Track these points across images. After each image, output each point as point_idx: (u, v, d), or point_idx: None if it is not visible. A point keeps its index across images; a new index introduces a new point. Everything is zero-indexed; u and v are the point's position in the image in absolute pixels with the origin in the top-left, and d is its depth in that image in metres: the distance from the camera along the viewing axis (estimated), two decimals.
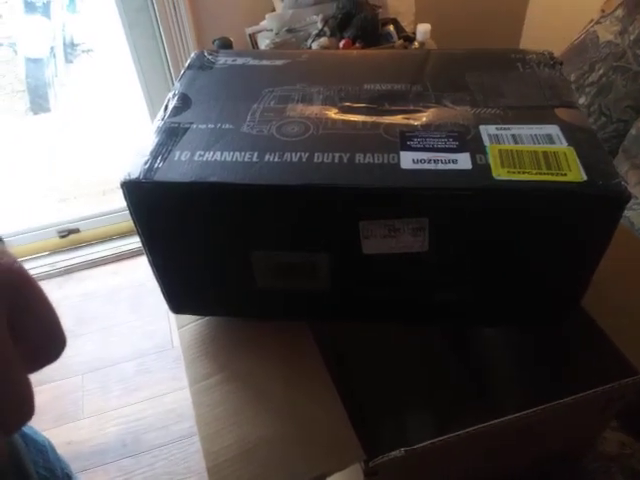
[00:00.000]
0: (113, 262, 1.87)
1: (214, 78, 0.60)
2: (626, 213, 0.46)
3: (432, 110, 0.53)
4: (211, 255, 0.53)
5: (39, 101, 2.77)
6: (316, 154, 0.48)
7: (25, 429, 0.62)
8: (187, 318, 0.63)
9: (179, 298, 0.60)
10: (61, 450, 0.65)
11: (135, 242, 1.87)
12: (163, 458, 1.34)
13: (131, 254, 1.88)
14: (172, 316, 0.64)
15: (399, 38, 1.36)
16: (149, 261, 0.54)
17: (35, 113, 2.76)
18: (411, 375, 0.77)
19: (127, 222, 1.85)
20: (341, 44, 1.31)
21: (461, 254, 0.50)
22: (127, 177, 0.47)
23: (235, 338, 0.60)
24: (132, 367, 1.55)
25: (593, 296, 0.54)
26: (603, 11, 1.12)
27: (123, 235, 1.93)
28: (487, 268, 0.51)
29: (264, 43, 1.35)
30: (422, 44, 1.23)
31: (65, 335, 0.35)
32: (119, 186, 0.47)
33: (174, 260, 0.54)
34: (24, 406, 0.32)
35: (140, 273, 1.80)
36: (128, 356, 1.57)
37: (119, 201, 1.86)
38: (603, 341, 0.58)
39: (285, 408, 0.53)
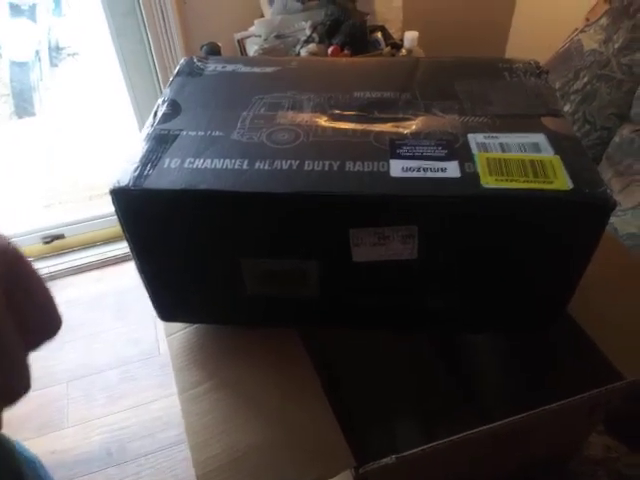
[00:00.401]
0: (98, 268, 1.85)
1: (204, 85, 0.60)
2: (610, 220, 0.47)
3: (421, 118, 0.54)
4: (200, 262, 0.53)
5: (24, 105, 2.74)
6: (306, 162, 0.48)
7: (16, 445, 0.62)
8: (176, 326, 0.62)
9: (168, 306, 0.59)
10: (45, 459, 0.64)
11: (120, 248, 1.85)
12: (149, 467, 1.32)
13: (116, 260, 1.86)
14: (159, 323, 0.63)
15: (387, 45, 1.37)
16: (137, 268, 0.54)
17: (20, 117, 2.73)
18: (399, 381, 0.78)
19: (112, 228, 1.83)
20: (329, 50, 1.31)
21: (450, 261, 0.50)
22: (116, 184, 0.46)
23: (224, 346, 0.60)
24: (117, 375, 1.53)
25: (579, 302, 0.55)
26: (587, 20, 1.14)
27: (108, 241, 1.91)
28: (475, 275, 0.52)
29: (253, 49, 1.35)
30: (409, 51, 1.24)
31: (60, 314, 0.36)
32: (108, 192, 0.47)
33: (163, 267, 0.54)
34: (22, 376, 0.32)
35: (125, 280, 1.78)
36: (113, 363, 1.55)
37: (105, 207, 1.85)
38: (589, 347, 0.58)
39: (274, 415, 0.53)
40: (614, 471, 0.79)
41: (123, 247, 1.85)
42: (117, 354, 1.58)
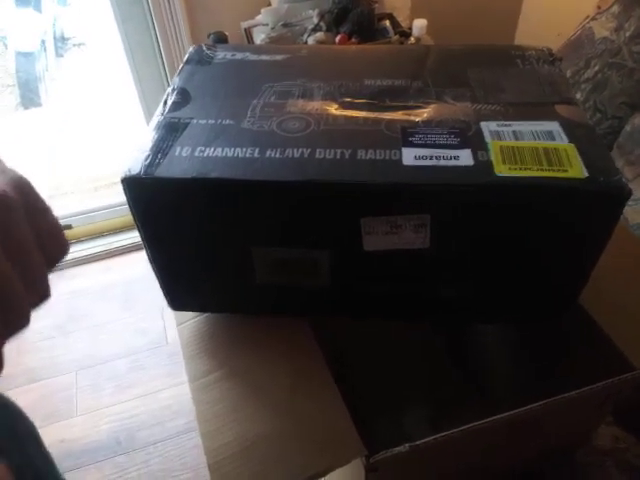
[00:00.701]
0: (105, 259, 1.86)
1: (213, 73, 0.59)
2: None
3: (433, 106, 0.53)
4: (211, 251, 0.53)
5: (30, 95, 2.74)
6: (318, 150, 0.47)
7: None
8: (186, 315, 0.62)
9: (178, 295, 0.59)
10: (54, 448, 0.64)
11: (127, 238, 1.86)
12: (158, 455, 1.33)
13: (123, 250, 1.86)
14: (167, 313, 0.64)
15: (395, 33, 1.36)
16: (148, 257, 0.54)
17: (26, 108, 2.73)
18: (410, 371, 0.77)
19: (120, 218, 1.84)
20: (337, 39, 1.31)
21: (462, 250, 0.50)
22: (127, 173, 0.46)
23: (234, 335, 0.60)
24: (125, 364, 1.54)
25: (590, 292, 0.54)
26: (599, 7, 1.12)
27: (115, 231, 1.91)
28: (488, 264, 0.51)
29: (260, 37, 1.35)
30: (418, 39, 1.23)
31: (67, 240, 0.36)
32: (114, 183, 0.47)
33: (174, 256, 0.54)
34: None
35: (133, 270, 1.79)
36: (121, 353, 1.56)
37: (112, 197, 1.85)
38: (600, 337, 0.58)
39: (284, 405, 0.53)
40: (623, 461, 0.79)
41: (130, 237, 1.85)
42: (125, 344, 1.59)
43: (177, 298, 0.60)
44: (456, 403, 0.74)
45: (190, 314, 0.62)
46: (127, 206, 0.49)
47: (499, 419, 0.47)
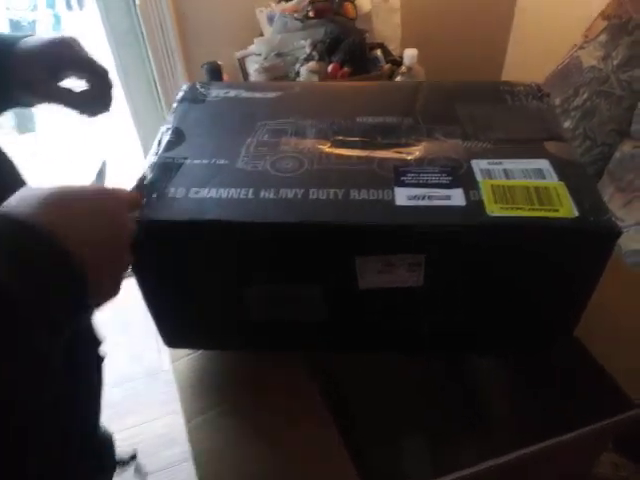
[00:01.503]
0: None
1: (207, 111, 0.60)
2: None
3: (424, 143, 0.54)
4: (205, 290, 0.53)
5: (24, 121, 2.75)
6: (311, 190, 0.48)
7: None
8: (181, 351, 0.62)
9: (173, 332, 0.59)
10: None
11: None
12: None
13: None
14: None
15: (386, 62, 1.37)
16: (143, 296, 0.54)
17: (21, 133, 2.74)
18: (407, 402, 0.77)
19: None
20: (329, 68, 1.32)
21: (455, 287, 0.50)
22: None
23: (229, 371, 0.60)
24: (120, 392, 1.52)
25: (586, 325, 0.54)
26: (586, 37, 1.15)
27: None
28: (481, 301, 0.52)
29: (253, 67, 1.36)
30: (409, 68, 1.25)
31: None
32: None
33: (167, 296, 0.54)
34: None
35: (127, 294, 1.77)
36: (116, 381, 1.55)
37: None
38: (597, 370, 0.58)
39: (281, 443, 0.53)
40: None
41: None
42: (120, 370, 1.57)
43: (171, 336, 0.60)
44: (454, 433, 0.74)
45: (184, 351, 0.62)
46: None
47: (499, 464, 0.47)
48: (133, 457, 0.89)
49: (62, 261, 0.33)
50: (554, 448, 0.51)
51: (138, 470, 0.96)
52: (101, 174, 0.47)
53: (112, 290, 0.39)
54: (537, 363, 0.63)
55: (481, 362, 0.78)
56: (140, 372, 1.56)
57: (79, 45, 0.52)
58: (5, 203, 0.34)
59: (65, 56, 0.50)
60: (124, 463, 0.69)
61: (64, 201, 0.35)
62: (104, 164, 0.47)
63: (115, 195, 0.40)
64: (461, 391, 0.79)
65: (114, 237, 0.38)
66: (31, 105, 0.53)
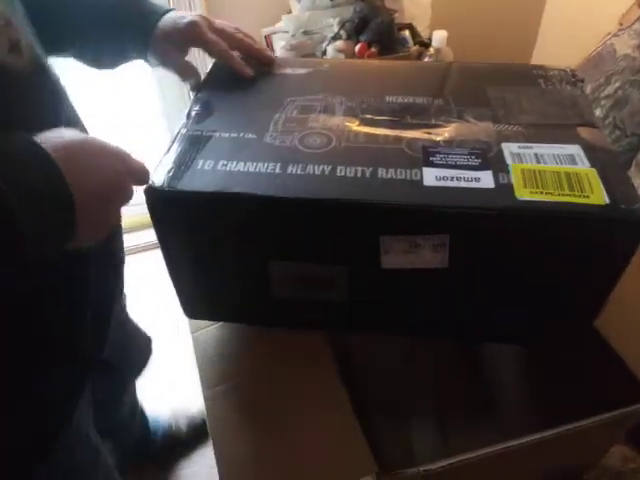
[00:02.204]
0: None
1: (236, 86, 0.60)
2: None
3: (454, 125, 0.53)
4: (230, 263, 0.53)
5: None
6: (339, 167, 0.48)
7: None
8: (200, 323, 0.63)
9: (194, 303, 0.60)
10: None
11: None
12: None
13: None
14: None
15: (414, 43, 1.36)
16: (167, 266, 0.55)
17: None
18: (419, 383, 0.78)
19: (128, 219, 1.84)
20: (357, 48, 1.31)
21: (480, 271, 0.50)
22: (151, 184, 0.47)
23: (249, 345, 0.60)
24: None
25: (605, 315, 0.54)
26: (621, 24, 1.12)
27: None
28: (505, 285, 0.51)
29: (280, 44, 1.35)
30: (438, 50, 1.23)
31: None
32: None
33: (191, 267, 0.54)
34: None
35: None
36: None
37: None
38: (613, 360, 0.58)
39: (298, 419, 0.53)
40: None
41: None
42: None
43: (192, 306, 0.60)
44: (466, 416, 0.74)
45: (204, 322, 0.63)
46: (132, 207, 0.49)
47: (513, 446, 0.47)
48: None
49: (58, 191, 0.38)
50: (566, 435, 0.51)
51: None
52: None
53: (95, 235, 0.44)
54: (553, 352, 0.63)
55: (495, 349, 0.78)
56: None
57: (208, 25, 0.61)
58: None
59: (193, 36, 0.60)
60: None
61: (83, 149, 0.42)
62: None
63: (127, 164, 0.45)
64: (475, 375, 0.80)
65: (109, 196, 0.43)
66: (152, 66, 0.65)
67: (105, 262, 0.59)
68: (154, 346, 1.27)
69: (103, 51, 0.64)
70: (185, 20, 0.60)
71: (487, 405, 0.76)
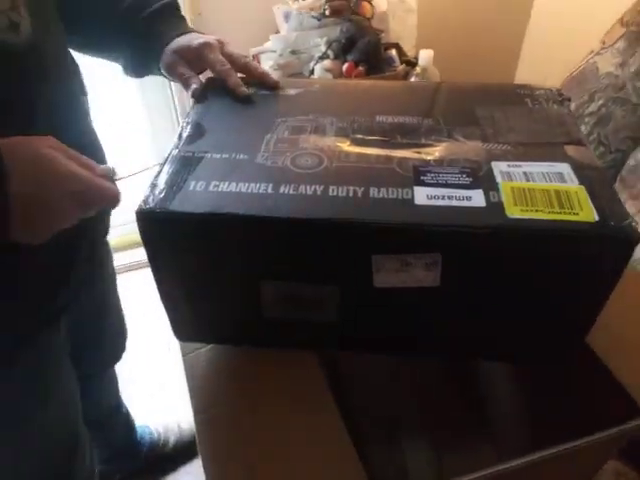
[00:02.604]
0: None
1: (227, 106, 0.60)
2: None
3: (444, 144, 0.54)
4: (221, 284, 0.53)
5: None
6: (331, 187, 0.48)
7: None
8: (192, 345, 0.62)
9: (185, 325, 0.59)
10: None
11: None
12: None
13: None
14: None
15: (401, 63, 1.37)
16: (157, 287, 0.54)
17: None
18: (411, 404, 0.77)
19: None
20: (344, 67, 1.32)
21: (471, 289, 0.50)
22: (142, 206, 0.47)
23: (240, 366, 0.60)
24: None
25: (595, 330, 0.54)
26: (604, 43, 1.14)
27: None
28: (497, 304, 0.51)
29: (268, 64, 1.36)
30: (424, 70, 1.25)
31: None
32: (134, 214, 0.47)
33: (183, 287, 0.54)
34: None
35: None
36: None
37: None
38: (604, 375, 0.58)
39: (291, 441, 0.53)
40: None
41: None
42: None
43: (183, 328, 0.60)
44: (459, 436, 0.74)
45: (195, 345, 0.62)
46: (122, 227, 0.49)
47: (509, 467, 0.47)
48: None
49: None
50: (560, 455, 0.51)
51: None
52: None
53: (35, 240, 0.46)
54: (545, 368, 0.63)
55: (488, 365, 0.78)
56: None
57: (219, 48, 0.65)
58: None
59: (202, 54, 0.64)
60: None
61: (43, 164, 0.44)
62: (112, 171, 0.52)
63: (90, 188, 0.47)
64: (467, 394, 0.79)
65: (54, 213, 0.45)
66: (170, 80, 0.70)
67: None
68: (146, 359, 1.28)
69: (123, 56, 0.70)
70: (200, 40, 0.64)
71: (480, 423, 0.76)
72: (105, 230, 0.77)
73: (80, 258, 0.66)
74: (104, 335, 0.93)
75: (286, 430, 0.54)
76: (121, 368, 1.25)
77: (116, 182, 0.51)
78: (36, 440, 0.72)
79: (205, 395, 0.58)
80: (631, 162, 1.07)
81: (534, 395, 0.72)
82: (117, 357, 1.02)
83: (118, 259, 1.83)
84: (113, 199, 0.49)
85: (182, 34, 0.66)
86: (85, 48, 0.71)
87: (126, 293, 1.72)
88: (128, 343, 1.03)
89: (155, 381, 1.47)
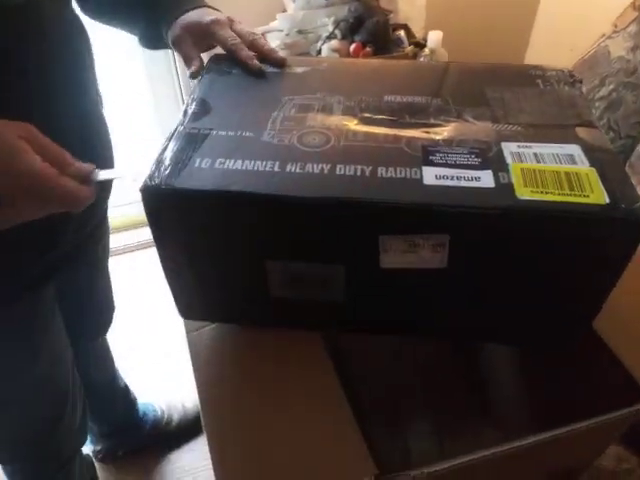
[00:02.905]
0: None
1: (233, 83, 0.59)
2: None
3: (453, 125, 0.53)
4: (226, 262, 0.53)
5: None
6: (338, 166, 0.47)
7: None
8: (196, 323, 0.62)
9: (190, 303, 0.59)
10: None
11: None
12: None
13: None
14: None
15: (409, 44, 1.36)
16: (162, 265, 0.54)
17: None
18: (414, 384, 0.77)
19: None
20: (351, 48, 1.31)
21: (480, 271, 0.50)
22: (147, 182, 0.46)
23: (245, 346, 0.60)
24: None
25: (603, 315, 0.54)
26: (615, 26, 1.12)
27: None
28: (505, 285, 0.51)
29: (274, 43, 1.35)
30: (433, 51, 1.23)
31: None
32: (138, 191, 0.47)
33: (187, 266, 0.54)
34: None
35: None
36: None
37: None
38: (611, 360, 0.58)
39: (296, 420, 0.53)
40: None
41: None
42: None
43: (187, 307, 0.60)
44: (462, 418, 0.74)
45: (200, 323, 0.62)
46: (125, 206, 0.49)
47: (511, 448, 0.47)
48: None
49: None
50: (561, 437, 0.51)
51: None
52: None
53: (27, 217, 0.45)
54: (550, 352, 0.63)
55: (492, 348, 0.78)
56: None
57: (229, 24, 0.65)
58: None
59: (212, 31, 0.63)
60: None
61: (4, 155, 0.41)
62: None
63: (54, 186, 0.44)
64: (471, 376, 0.79)
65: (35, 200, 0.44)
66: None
67: None
68: (151, 339, 1.29)
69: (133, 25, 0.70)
70: (211, 17, 0.64)
71: (482, 404, 0.76)
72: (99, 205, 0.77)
73: (68, 229, 0.67)
74: (91, 306, 0.95)
75: (289, 410, 0.54)
76: (124, 348, 1.26)
77: (94, 183, 0.47)
78: (23, 394, 0.76)
79: (209, 373, 0.58)
80: None
81: (537, 378, 0.73)
82: (104, 330, 1.04)
83: (123, 239, 1.84)
84: (73, 202, 0.45)
85: (194, 8, 0.65)
86: (100, 16, 0.71)
87: (132, 272, 1.74)
88: (130, 323, 1.04)
89: (161, 361, 1.48)
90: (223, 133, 0.51)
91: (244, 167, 0.47)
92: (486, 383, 0.79)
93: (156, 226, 0.50)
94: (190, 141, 0.50)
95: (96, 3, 0.70)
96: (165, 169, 0.47)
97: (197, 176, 0.47)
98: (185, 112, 0.54)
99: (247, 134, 0.51)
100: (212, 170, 0.47)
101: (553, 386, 0.68)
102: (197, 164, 0.48)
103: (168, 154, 0.49)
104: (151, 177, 0.46)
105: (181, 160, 0.48)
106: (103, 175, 0.48)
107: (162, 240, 0.51)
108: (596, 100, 1.11)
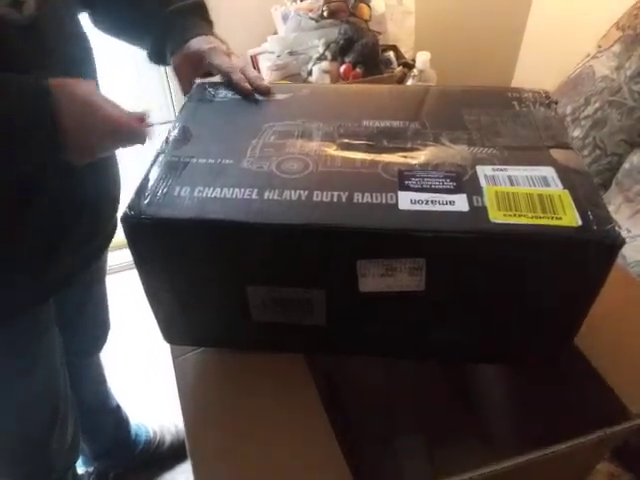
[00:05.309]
0: None
1: (215, 111, 0.61)
2: None
3: (430, 149, 0.54)
4: (207, 288, 0.53)
5: None
6: (315, 192, 0.48)
7: None
8: (182, 348, 0.63)
9: (173, 328, 0.60)
10: None
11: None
12: None
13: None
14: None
15: (399, 64, 1.37)
16: (145, 292, 0.55)
17: None
18: (403, 402, 0.77)
19: None
20: (342, 69, 1.32)
21: (456, 293, 0.50)
22: (127, 212, 0.47)
23: (230, 369, 0.60)
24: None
25: (585, 333, 0.54)
26: (600, 46, 1.14)
27: None
28: (481, 307, 0.52)
29: (266, 65, 1.37)
30: (421, 72, 1.25)
31: None
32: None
33: (170, 292, 0.54)
34: None
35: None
36: None
37: None
38: (594, 377, 0.58)
39: (282, 446, 0.53)
40: None
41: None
42: None
43: (171, 331, 0.60)
44: (450, 437, 0.74)
45: (186, 348, 0.62)
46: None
47: (502, 468, 0.47)
48: None
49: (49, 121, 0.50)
50: (551, 456, 0.51)
51: None
52: None
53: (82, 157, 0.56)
54: (536, 371, 0.64)
55: (481, 367, 0.78)
56: None
57: (227, 54, 0.68)
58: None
59: (210, 63, 0.67)
60: None
61: (91, 108, 0.53)
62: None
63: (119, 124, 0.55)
64: (459, 395, 0.80)
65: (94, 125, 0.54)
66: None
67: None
68: (141, 360, 1.28)
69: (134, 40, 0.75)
70: (209, 45, 0.68)
71: (472, 422, 0.76)
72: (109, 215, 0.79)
73: (78, 232, 0.70)
74: (85, 324, 0.96)
75: (275, 433, 0.54)
76: (117, 368, 1.26)
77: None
78: (15, 409, 0.77)
79: (195, 398, 0.58)
80: (627, 165, 1.07)
81: (526, 397, 0.73)
82: (98, 348, 1.04)
83: (119, 257, 1.83)
84: (140, 137, 0.56)
85: (197, 35, 0.68)
86: (110, 32, 0.75)
87: (122, 292, 1.74)
88: (124, 343, 1.04)
89: (151, 381, 1.48)
90: (203, 161, 0.52)
91: (223, 195, 0.48)
92: (476, 402, 0.79)
93: (137, 254, 0.50)
94: (171, 169, 0.51)
95: (109, 22, 0.74)
96: (145, 198, 0.48)
97: (176, 205, 0.47)
98: (167, 139, 0.55)
99: (227, 161, 0.52)
100: (191, 199, 0.48)
101: (541, 405, 0.68)
102: (177, 192, 0.49)
103: (148, 183, 0.50)
104: (131, 207, 0.47)
105: (161, 189, 0.49)
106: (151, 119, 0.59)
107: (143, 267, 0.52)
108: (582, 119, 1.12)
